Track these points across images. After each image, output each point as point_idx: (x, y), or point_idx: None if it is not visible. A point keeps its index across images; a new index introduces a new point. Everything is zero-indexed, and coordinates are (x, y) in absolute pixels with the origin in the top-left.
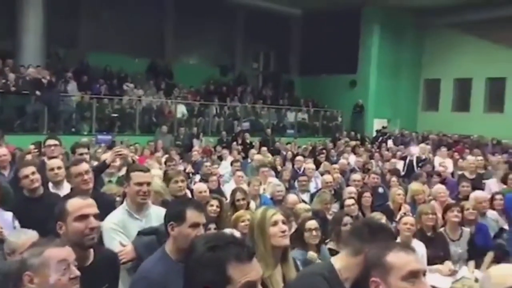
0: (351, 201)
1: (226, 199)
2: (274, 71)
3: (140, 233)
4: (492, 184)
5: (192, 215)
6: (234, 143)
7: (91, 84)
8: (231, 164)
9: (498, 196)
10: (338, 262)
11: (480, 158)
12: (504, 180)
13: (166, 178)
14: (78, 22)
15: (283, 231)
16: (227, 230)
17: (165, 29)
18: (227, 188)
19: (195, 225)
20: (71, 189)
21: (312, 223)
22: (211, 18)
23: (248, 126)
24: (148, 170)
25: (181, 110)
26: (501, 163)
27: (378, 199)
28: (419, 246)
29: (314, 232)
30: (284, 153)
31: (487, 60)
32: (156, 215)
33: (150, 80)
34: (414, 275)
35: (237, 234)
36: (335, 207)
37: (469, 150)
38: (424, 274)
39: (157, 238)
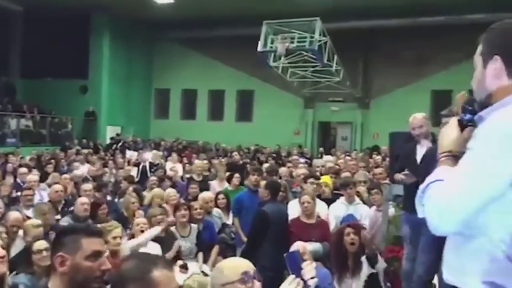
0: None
1: None
2: None
3: None
4: (216, 184)
5: None
6: None
7: None
8: None
9: (220, 196)
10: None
11: (206, 161)
12: (228, 180)
13: None
14: None
15: (2, 257)
16: None
17: None
18: None
19: None
20: None
21: (41, 243)
22: None
23: None
24: None
25: None
26: (222, 165)
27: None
28: (154, 247)
29: (44, 253)
30: (4, 164)
31: (209, 74)
32: None
33: None
34: None
35: None
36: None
37: (196, 155)
38: None
39: None
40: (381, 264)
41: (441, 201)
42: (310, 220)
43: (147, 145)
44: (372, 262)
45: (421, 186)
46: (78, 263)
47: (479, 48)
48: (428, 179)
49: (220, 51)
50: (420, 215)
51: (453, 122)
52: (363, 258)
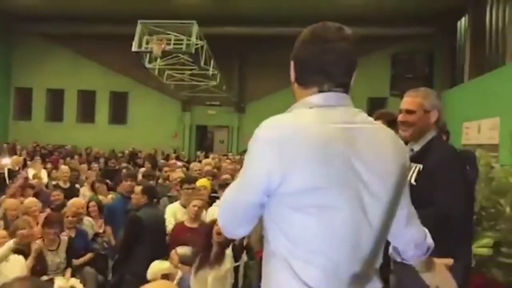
0: None
1: None
2: None
3: None
4: (85, 191)
5: None
6: None
7: None
8: None
9: (91, 203)
10: None
11: (74, 167)
12: (92, 187)
13: None
14: None
15: None
16: None
17: None
18: None
19: None
20: None
21: None
22: None
23: None
24: None
25: None
26: (91, 171)
27: None
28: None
29: None
30: None
31: (79, 73)
32: None
33: None
34: None
35: None
36: None
37: (63, 160)
38: None
39: None
40: (244, 258)
41: (221, 208)
42: (193, 224)
43: (6, 150)
44: (237, 256)
45: None
46: None
47: None
48: None
49: (91, 49)
50: None
51: None
52: (228, 251)
